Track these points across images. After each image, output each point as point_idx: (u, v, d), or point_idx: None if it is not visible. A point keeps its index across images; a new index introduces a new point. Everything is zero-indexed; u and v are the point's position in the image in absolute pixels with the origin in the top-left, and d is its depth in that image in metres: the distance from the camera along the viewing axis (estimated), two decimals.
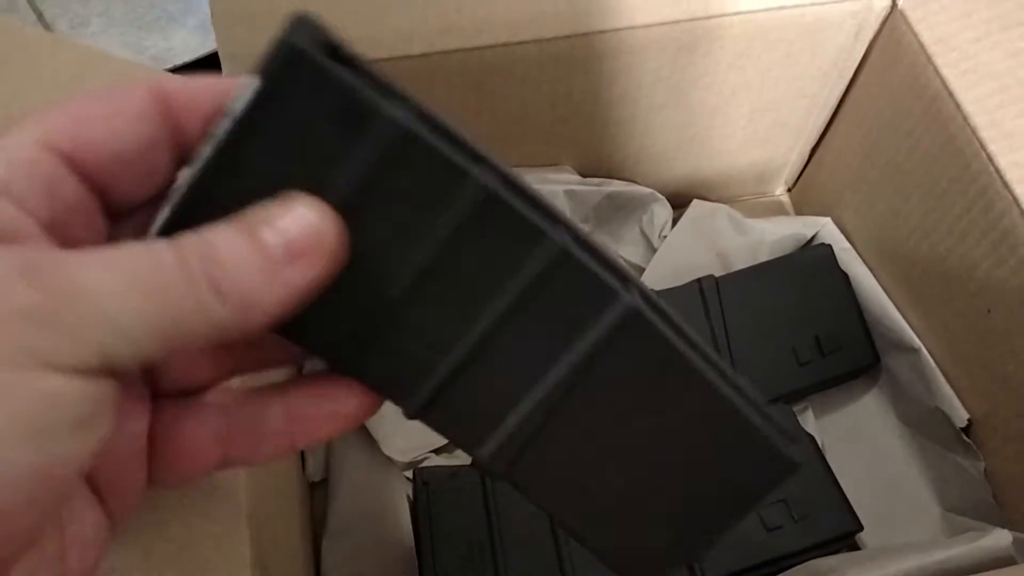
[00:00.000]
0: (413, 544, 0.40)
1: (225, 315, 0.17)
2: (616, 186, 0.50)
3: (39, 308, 0.16)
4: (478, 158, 0.18)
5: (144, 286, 0.17)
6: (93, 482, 0.20)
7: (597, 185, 0.49)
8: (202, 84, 0.20)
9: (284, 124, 0.18)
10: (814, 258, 0.48)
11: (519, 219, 0.19)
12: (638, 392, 0.21)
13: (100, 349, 0.16)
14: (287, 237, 0.18)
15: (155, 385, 0.22)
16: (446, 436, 0.22)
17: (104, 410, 0.17)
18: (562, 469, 0.22)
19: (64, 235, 0.19)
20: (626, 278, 0.20)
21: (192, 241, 0.17)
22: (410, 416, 0.22)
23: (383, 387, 0.22)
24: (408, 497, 0.42)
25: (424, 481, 0.41)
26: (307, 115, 0.18)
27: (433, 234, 0.19)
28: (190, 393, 0.22)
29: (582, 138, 0.47)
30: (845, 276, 0.47)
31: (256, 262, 0.17)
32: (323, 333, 0.21)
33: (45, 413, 0.16)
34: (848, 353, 0.46)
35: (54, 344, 0.16)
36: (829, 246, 0.48)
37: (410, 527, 0.41)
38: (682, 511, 0.23)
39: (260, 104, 0.17)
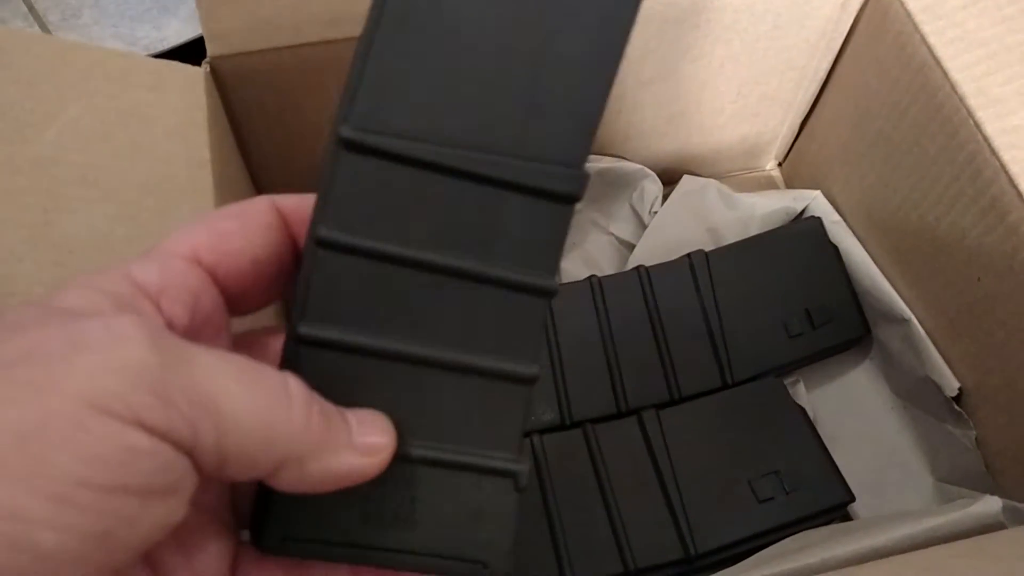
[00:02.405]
0: None
1: (307, 439, 0.19)
2: (606, 163, 0.50)
3: (150, 367, 0.16)
4: None
5: (251, 380, 0.18)
6: None
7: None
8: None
9: None
10: (804, 231, 0.48)
11: None
12: None
13: (192, 424, 0.17)
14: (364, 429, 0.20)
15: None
16: None
17: (177, 488, 0.17)
18: None
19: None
20: None
21: (301, 382, 0.19)
22: None
23: None
24: None
25: None
26: None
27: None
28: None
29: None
30: (835, 248, 0.47)
31: (344, 428, 0.20)
32: None
33: (121, 467, 0.16)
34: (839, 325, 0.46)
35: (151, 404, 0.16)
36: (819, 219, 0.48)
37: None
38: None
39: None
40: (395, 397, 0.21)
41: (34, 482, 0.15)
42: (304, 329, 0.21)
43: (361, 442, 0.20)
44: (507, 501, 0.22)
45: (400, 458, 0.21)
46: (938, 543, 0.32)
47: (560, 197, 0.21)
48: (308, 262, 0.21)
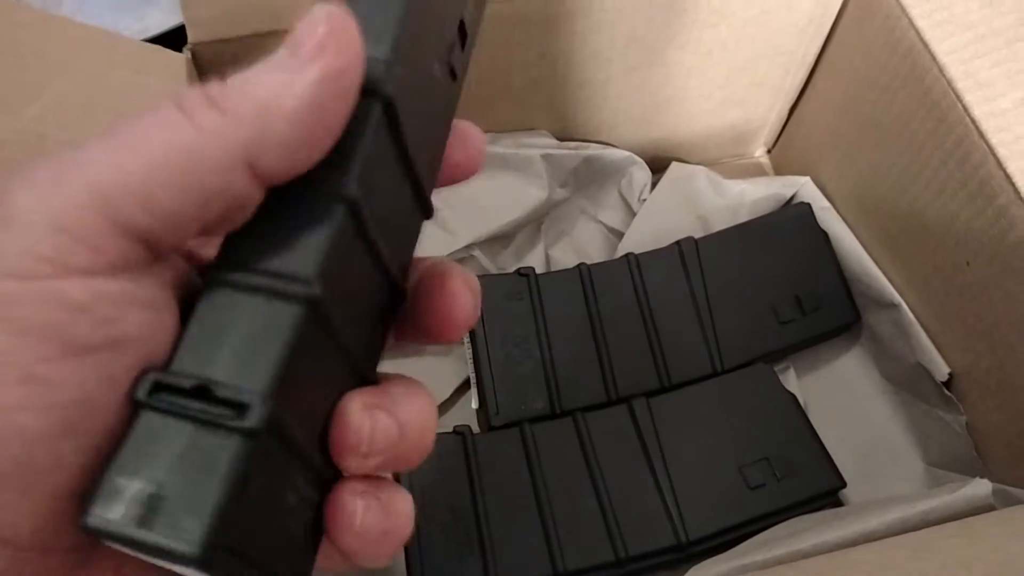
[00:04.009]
0: None
1: (233, 130, 0.16)
2: (594, 150, 0.49)
3: (33, 212, 0.15)
4: None
5: (132, 131, 0.16)
6: None
7: (574, 149, 0.49)
8: None
9: None
10: (793, 217, 0.48)
11: None
12: None
13: (122, 223, 0.16)
14: (294, 39, 0.17)
15: None
16: None
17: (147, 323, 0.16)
18: None
19: None
20: None
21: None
22: None
23: None
24: None
25: None
26: None
27: None
28: None
29: (557, 101, 0.47)
30: (825, 235, 0.47)
31: (264, 70, 0.16)
32: None
33: (68, 327, 0.15)
34: (829, 311, 0.45)
35: (62, 243, 0.15)
36: (808, 205, 0.48)
37: None
38: None
39: None
40: None
41: None
42: None
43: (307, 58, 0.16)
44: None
45: None
46: (929, 526, 0.32)
47: None
48: None
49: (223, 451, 0.16)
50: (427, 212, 0.21)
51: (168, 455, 0.16)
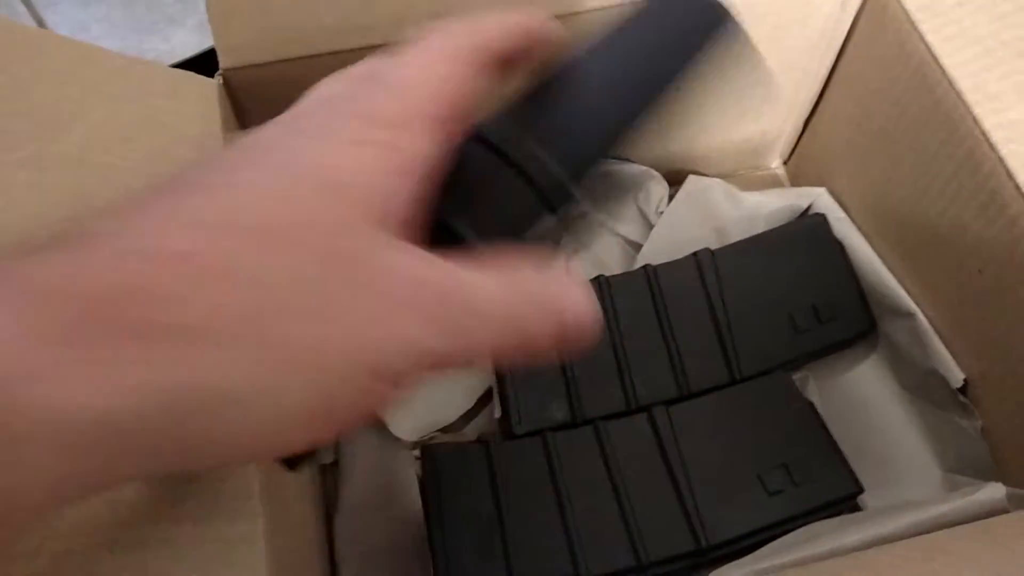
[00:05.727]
0: (423, 520, 0.41)
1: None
2: (611, 164, 0.50)
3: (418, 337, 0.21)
4: None
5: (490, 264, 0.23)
6: None
7: None
8: None
9: None
10: (809, 228, 0.49)
11: None
12: None
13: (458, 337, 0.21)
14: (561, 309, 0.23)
15: None
16: None
17: None
18: None
19: None
20: None
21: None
22: None
23: None
24: (417, 474, 0.43)
25: (432, 458, 0.42)
26: None
27: None
28: None
29: None
30: (840, 245, 0.48)
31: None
32: None
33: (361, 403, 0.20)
34: (845, 320, 0.46)
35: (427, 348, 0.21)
36: (823, 216, 0.49)
37: (419, 503, 0.42)
38: None
39: None
40: None
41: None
42: None
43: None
44: None
45: None
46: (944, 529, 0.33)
47: None
48: None
49: None
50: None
51: None
